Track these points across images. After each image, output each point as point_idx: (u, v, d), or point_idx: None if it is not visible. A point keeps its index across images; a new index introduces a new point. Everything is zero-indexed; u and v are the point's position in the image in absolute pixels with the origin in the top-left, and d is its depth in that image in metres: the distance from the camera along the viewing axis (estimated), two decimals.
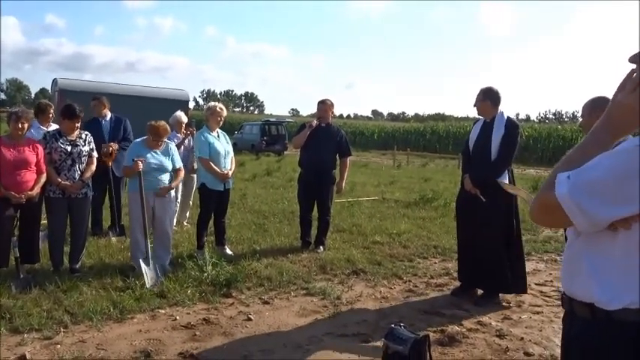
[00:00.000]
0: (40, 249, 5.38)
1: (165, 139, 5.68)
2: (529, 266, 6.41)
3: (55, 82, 21.39)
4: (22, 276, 4.93)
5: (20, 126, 4.95)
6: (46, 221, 5.52)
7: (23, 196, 4.91)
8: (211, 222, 6.29)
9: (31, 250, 5.15)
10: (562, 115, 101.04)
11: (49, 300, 4.52)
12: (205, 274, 5.18)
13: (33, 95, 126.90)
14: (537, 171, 25.88)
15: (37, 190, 5.05)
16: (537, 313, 4.80)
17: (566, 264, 1.57)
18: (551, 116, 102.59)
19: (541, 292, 5.43)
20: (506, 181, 4.95)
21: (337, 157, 6.83)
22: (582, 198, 1.35)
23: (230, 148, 6.28)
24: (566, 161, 1.48)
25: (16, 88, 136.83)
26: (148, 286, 4.94)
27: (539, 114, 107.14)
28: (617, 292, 1.41)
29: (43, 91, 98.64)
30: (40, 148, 5.12)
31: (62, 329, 4.01)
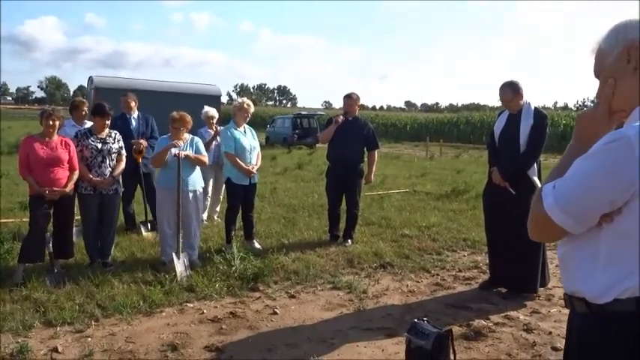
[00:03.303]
0: (74, 244, 5.54)
1: (189, 134, 5.77)
2: None
3: (90, 79, 21.84)
4: (56, 271, 5.09)
5: (51, 123, 5.08)
6: (79, 217, 5.67)
7: (57, 192, 5.05)
8: (241, 216, 6.36)
9: (64, 246, 5.29)
10: None
11: (81, 294, 4.65)
12: (233, 269, 5.24)
13: (72, 93, 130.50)
14: None
15: (70, 186, 5.19)
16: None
17: (560, 263, 1.61)
18: (589, 104, 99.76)
19: None
20: (535, 173, 4.85)
21: (365, 150, 6.81)
22: (567, 205, 1.41)
23: (256, 144, 6.33)
24: (549, 178, 1.55)
25: (56, 86, 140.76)
26: (178, 280, 5.03)
27: (577, 101, 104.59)
28: (605, 285, 1.43)
29: (81, 88, 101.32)
30: (72, 146, 5.25)
31: (93, 322, 4.13)
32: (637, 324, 1.39)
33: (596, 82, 1.58)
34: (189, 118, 5.72)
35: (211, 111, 7.93)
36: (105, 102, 5.68)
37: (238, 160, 6.01)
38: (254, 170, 6.16)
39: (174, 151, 5.47)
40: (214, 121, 7.87)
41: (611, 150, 1.35)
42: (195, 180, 5.72)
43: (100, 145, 5.41)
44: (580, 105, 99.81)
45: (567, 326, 1.65)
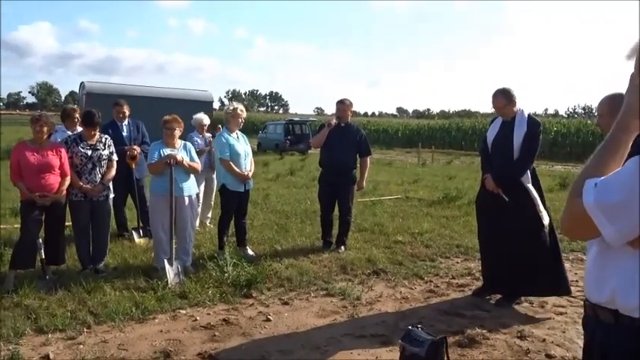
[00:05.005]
0: (65, 250, 5.49)
1: (180, 139, 5.76)
2: None
3: (82, 85, 21.82)
4: (47, 277, 5.05)
5: (39, 129, 5.05)
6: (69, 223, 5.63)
7: (48, 197, 5.01)
8: (233, 222, 6.33)
9: (56, 252, 5.25)
10: (591, 109, 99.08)
11: (73, 301, 4.61)
12: (226, 275, 5.22)
13: (63, 98, 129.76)
14: (565, 167, 25.39)
15: (62, 192, 5.15)
16: (561, 314, 4.71)
17: (591, 272, 1.56)
18: (580, 111, 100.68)
19: None
20: (529, 180, 4.85)
21: (358, 156, 6.82)
22: (608, 209, 1.34)
23: (249, 150, 6.32)
24: (588, 167, 1.48)
25: (47, 91, 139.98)
26: (170, 286, 5.00)
27: (568, 108, 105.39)
28: None
29: (72, 94, 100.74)
30: (64, 152, 5.22)
31: (85, 329, 4.10)
32: None
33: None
34: (179, 119, 5.71)
35: (203, 118, 7.91)
36: (96, 108, 5.64)
37: (234, 166, 5.99)
38: (249, 176, 6.15)
39: (167, 151, 5.46)
40: (205, 127, 7.89)
41: None
42: (190, 185, 5.70)
43: (89, 152, 5.38)
44: (571, 112, 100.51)
45: (587, 336, 1.62)
